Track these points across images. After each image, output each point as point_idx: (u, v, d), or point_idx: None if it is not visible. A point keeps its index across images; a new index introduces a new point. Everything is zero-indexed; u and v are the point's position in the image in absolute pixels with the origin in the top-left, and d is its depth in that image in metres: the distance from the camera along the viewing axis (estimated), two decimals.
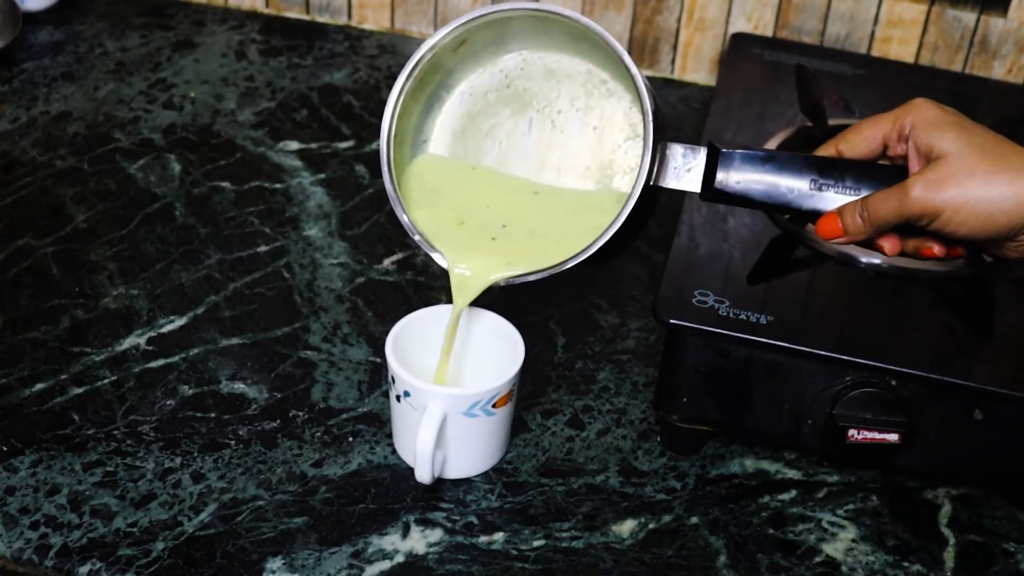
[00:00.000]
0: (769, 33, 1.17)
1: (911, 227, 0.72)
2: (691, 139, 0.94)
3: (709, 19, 1.18)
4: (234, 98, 1.16)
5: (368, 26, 1.28)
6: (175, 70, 1.19)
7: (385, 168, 0.77)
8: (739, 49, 1.08)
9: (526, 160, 0.81)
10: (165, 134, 1.10)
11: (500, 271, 0.75)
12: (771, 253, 0.81)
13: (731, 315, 0.74)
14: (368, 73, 1.20)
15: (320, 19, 1.29)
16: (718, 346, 0.74)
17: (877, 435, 0.73)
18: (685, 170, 0.75)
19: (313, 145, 1.10)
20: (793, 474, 0.80)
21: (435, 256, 0.76)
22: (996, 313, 0.80)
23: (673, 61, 1.21)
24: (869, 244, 0.75)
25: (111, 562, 0.71)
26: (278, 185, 1.04)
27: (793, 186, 0.74)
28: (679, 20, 1.19)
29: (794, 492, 0.79)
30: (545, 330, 0.90)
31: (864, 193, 0.74)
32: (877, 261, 0.79)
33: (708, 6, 1.17)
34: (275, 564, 0.72)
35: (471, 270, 0.76)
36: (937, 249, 0.74)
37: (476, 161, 0.81)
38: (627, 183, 0.78)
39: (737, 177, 0.74)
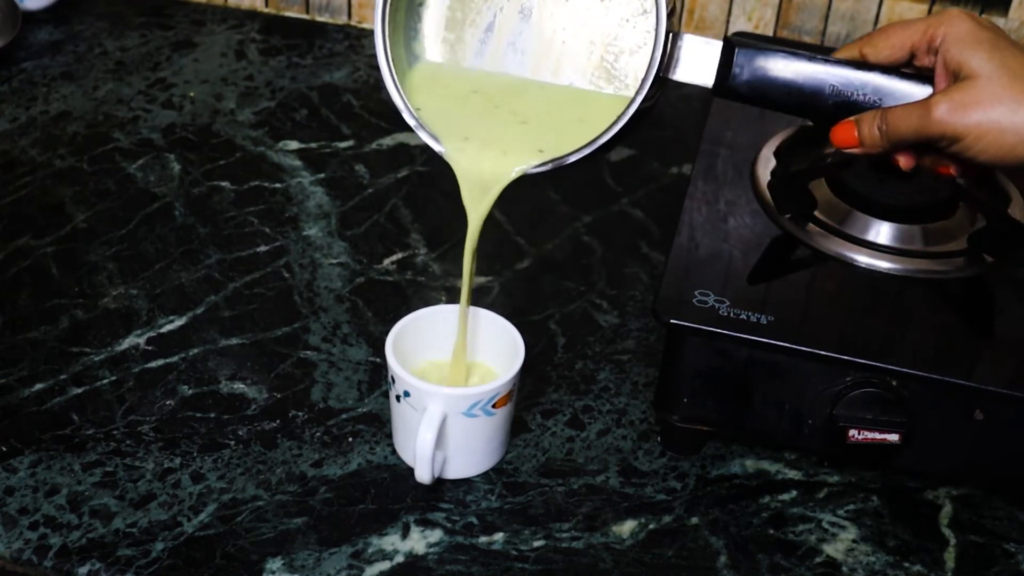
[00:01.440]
0: (770, 32, 1.17)
1: (929, 144, 0.69)
2: (691, 139, 0.94)
3: (709, 18, 1.18)
4: (234, 98, 1.15)
5: (368, 25, 1.28)
6: (174, 70, 1.19)
7: (379, 37, 0.73)
8: None
9: (528, 30, 0.76)
10: (164, 134, 1.10)
11: (525, 163, 0.72)
12: (771, 253, 0.81)
13: (731, 315, 0.74)
14: (368, 72, 1.20)
15: (320, 18, 1.29)
16: (718, 346, 0.74)
17: (877, 435, 0.73)
18: (698, 63, 0.72)
19: (313, 145, 1.09)
20: (793, 474, 0.80)
21: (437, 147, 0.73)
22: (996, 313, 0.80)
23: None
24: (884, 157, 0.71)
25: (110, 563, 0.71)
26: (278, 185, 1.04)
27: (811, 88, 0.71)
28: (680, 19, 1.18)
29: (794, 492, 0.79)
30: (545, 330, 0.90)
31: (885, 103, 0.70)
32: (877, 262, 0.79)
33: (708, 5, 1.17)
34: (275, 564, 0.72)
35: (491, 161, 0.73)
36: (954, 169, 0.71)
37: (475, 25, 0.76)
38: (633, 67, 0.75)
39: (753, 75, 0.71)
